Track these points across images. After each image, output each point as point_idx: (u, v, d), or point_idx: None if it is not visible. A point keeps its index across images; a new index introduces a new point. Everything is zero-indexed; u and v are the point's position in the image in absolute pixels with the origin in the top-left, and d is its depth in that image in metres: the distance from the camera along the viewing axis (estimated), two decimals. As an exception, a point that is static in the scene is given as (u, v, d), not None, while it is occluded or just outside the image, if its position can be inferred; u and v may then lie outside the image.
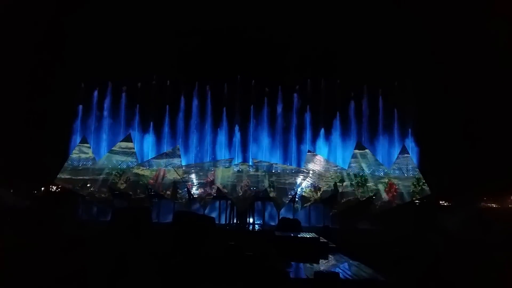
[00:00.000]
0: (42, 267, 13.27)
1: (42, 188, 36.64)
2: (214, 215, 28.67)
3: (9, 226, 22.46)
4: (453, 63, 38.31)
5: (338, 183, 30.59)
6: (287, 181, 30.66)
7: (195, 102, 33.88)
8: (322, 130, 33.46)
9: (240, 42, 40.55)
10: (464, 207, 30.36)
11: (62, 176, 30.69)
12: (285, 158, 33.47)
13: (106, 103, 33.38)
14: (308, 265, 13.35)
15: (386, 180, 30.76)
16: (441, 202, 36.99)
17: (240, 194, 30.18)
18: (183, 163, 31.51)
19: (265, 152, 33.40)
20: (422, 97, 33.20)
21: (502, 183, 36.05)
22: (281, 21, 42.40)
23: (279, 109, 33.81)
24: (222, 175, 30.46)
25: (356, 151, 31.52)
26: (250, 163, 32.12)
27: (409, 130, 32.73)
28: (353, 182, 30.59)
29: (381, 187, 30.59)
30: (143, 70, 35.60)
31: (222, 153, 33.17)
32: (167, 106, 33.96)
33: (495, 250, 19.10)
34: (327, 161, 31.80)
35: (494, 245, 20.42)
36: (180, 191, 30.58)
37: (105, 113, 33.30)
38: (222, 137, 33.50)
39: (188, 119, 33.80)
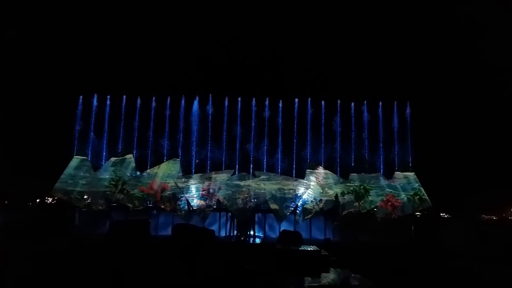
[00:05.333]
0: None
1: (37, 200, 36.24)
2: (214, 227, 28.36)
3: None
4: (450, 77, 38.77)
5: (339, 195, 30.41)
6: (288, 193, 30.46)
7: (195, 114, 33.82)
8: (323, 141, 33.43)
9: (241, 56, 40.91)
10: (464, 220, 30.21)
11: (58, 188, 30.33)
12: (286, 170, 33.26)
13: (105, 114, 33.38)
14: (309, 278, 13.16)
15: (387, 192, 30.59)
16: (441, 214, 36.79)
17: (240, 206, 29.90)
18: (183, 175, 31.36)
19: (266, 163, 33.25)
20: (421, 110, 33.50)
21: (502, 195, 35.95)
22: (278, 35, 42.90)
23: (280, 121, 33.82)
24: (223, 187, 30.35)
25: (357, 162, 31.53)
26: (251, 175, 31.96)
27: (408, 141, 32.80)
28: (354, 194, 30.39)
29: (381, 199, 30.40)
30: (143, 83, 35.81)
31: (223, 165, 32.97)
32: (167, 117, 33.91)
33: (494, 264, 18.91)
34: (328, 172, 31.66)
35: (493, 258, 20.22)
36: (180, 203, 30.29)
37: (104, 124, 33.25)
38: (222, 148, 33.37)
39: (188, 130, 33.75)
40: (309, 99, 33.89)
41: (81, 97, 33.23)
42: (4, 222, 27.77)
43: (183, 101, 33.74)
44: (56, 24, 38.92)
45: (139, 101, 33.58)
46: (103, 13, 40.82)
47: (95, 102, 33.39)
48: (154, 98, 33.95)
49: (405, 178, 31.15)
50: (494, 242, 24.80)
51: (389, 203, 30.05)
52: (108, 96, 33.70)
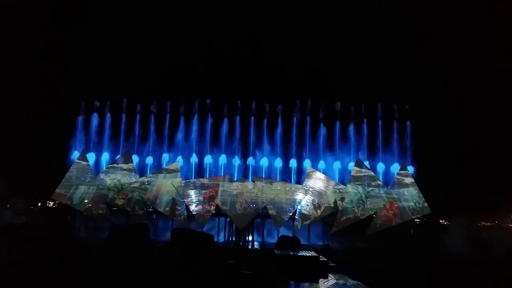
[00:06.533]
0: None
1: (39, 204, 36.39)
2: (213, 232, 28.35)
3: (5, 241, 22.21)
4: (451, 83, 38.93)
5: (338, 201, 30.46)
6: (287, 199, 30.52)
7: (195, 119, 33.90)
8: (322, 148, 33.47)
9: (241, 62, 41.10)
10: (464, 226, 30.16)
11: (60, 192, 30.49)
12: (285, 175, 33.25)
13: (106, 120, 33.49)
14: (307, 284, 13.21)
15: (386, 199, 30.64)
16: (441, 221, 36.81)
17: (239, 211, 29.97)
18: (182, 180, 31.44)
19: (265, 169, 33.27)
20: (421, 118, 33.67)
21: (502, 202, 35.94)
22: (280, 42, 43.19)
23: (279, 127, 33.85)
24: (222, 192, 30.48)
25: (356, 169, 31.57)
26: (250, 180, 32.01)
27: (408, 149, 32.85)
28: (353, 200, 30.47)
29: (381, 205, 30.44)
30: (143, 86, 35.96)
31: (222, 170, 33.02)
32: (167, 122, 33.99)
33: (496, 270, 18.90)
34: (327, 178, 31.70)
35: (495, 265, 20.22)
36: (179, 208, 30.37)
37: (105, 129, 33.35)
38: (221, 153, 33.40)
39: (188, 136, 33.81)
40: (308, 101, 33.96)
41: (83, 103, 33.49)
42: (6, 224, 27.90)
43: (183, 107, 33.90)
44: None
45: (139, 107, 33.76)
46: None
47: (96, 106, 33.55)
48: (154, 102, 34.14)
49: (405, 184, 31.17)
50: (495, 249, 24.82)
51: (391, 211, 30.16)
52: (108, 102, 33.89)
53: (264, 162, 33.08)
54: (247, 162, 33.32)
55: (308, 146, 33.50)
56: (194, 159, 33.23)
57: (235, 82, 38.06)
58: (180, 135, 33.62)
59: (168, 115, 34.04)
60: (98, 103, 33.61)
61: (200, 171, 33.34)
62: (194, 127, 33.64)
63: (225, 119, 33.91)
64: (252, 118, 33.97)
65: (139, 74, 38.68)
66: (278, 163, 33.17)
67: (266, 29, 42.89)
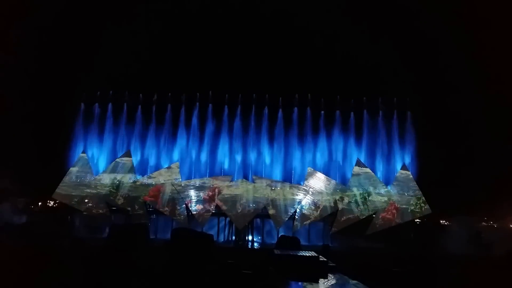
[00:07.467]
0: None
1: (39, 203, 36.45)
2: (212, 232, 28.36)
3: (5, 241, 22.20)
4: (452, 82, 38.83)
5: (338, 201, 30.46)
6: (287, 198, 30.52)
7: (195, 118, 33.90)
8: (322, 148, 33.46)
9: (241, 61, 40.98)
10: (464, 227, 30.18)
11: (60, 191, 30.55)
12: (285, 175, 33.21)
13: (107, 119, 33.48)
14: (307, 284, 13.22)
15: (387, 199, 30.62)
16: (441, 221, 36.80)
17: (239, 211, 29.98)
18: (182, 179, 31.43)
19: (265, 168, 33.25)
20: (421, 117, 33.63)
21: (503, 202, 35.90)
22: (279, 38, 42.99)
23: (279, 126, 33.81)
24: (222, 192, 30.47)
25: (356, 168, 31.54)
26: (250, 180, 32.00)
27: (409, 148, 32.82)
28: (353, 200, 30.46)
29: (381, 205, 30.43)
30: (144, 85, 35.93)
31: (222, 170, 33.01)
32: (167, 121, 33.98)
33: (496, 270, 18.89)
34: (327, 178, 31.67)
35: (494, 264, 20.22)
36: (179, 208, 30.37)
37: (105, 128, 33.33)
38: (222, 154, 33.39)
39: (187, 135, 33.79)
40: (308, 96, 33.83)
41: (84, 93, 33.43)
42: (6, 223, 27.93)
43: (183, 106, 33.89)
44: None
45: (139, 108, 33.75)
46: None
47: (96, 108, 33.54)
48: (154, 102, 34.11)
49: (405, 184, 31.13)
50: (495, 250, 24.82)
51: (391, 211, 30.15)
52: (110, 93, 33.75)
53: (264, 162, 33.14)
54: (247, 162, 33.33)
55: (309, 146, 33.51)
56: (194, 158, 33.27)
57: (234, 82, 37.96)
58: (180, 135, 33.68)
59: (168, 116, 34.06)
60: (98, 103, 33.60)
61: (200, 171, 33.37)
62: (195, 127, 33.68)
63: (225, 119, 33.95)
64: (252, 118, 33.97)
65: (139, 74, 38.58)
66: (279, 163, 33.24)
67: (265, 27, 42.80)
